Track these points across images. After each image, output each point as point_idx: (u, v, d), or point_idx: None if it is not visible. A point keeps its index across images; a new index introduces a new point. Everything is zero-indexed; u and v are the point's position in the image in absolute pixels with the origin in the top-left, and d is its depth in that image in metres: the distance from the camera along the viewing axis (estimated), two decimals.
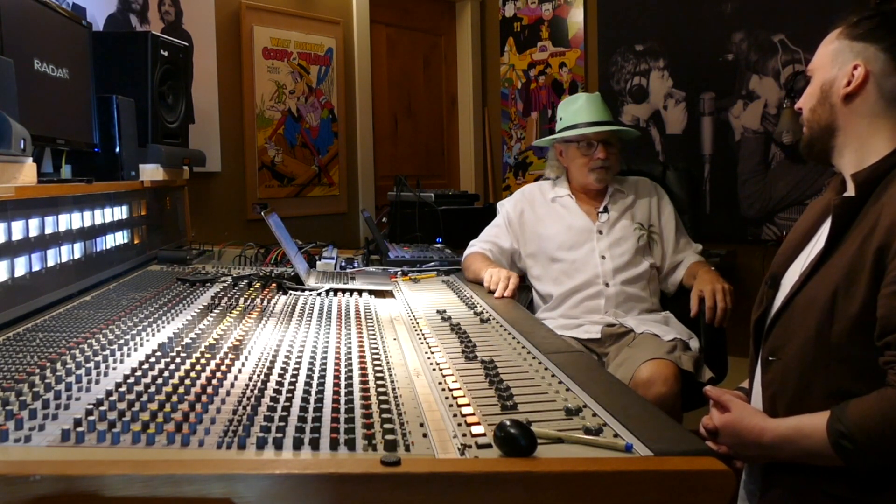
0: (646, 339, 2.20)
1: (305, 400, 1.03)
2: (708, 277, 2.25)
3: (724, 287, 2.17)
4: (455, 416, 1.02)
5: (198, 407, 1.00)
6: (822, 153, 1.37)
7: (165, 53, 2.55)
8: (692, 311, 2.19)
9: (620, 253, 2.37)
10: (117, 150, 2.18)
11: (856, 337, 1.20)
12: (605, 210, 2.44)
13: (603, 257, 2.37)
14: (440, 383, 1.17)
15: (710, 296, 2.15)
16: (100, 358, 1.23)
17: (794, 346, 1.29)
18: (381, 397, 1.07)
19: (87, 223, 1.84)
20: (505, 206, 2.57)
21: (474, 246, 2.48)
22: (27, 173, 1.55)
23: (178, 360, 1.22)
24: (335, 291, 1.92)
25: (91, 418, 0.96)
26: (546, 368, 1.26)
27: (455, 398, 1.09)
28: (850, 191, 1.32)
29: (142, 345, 1.34)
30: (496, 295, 2.03)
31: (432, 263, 2.41)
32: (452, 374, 1.20)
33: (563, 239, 2.43)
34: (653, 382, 1.98)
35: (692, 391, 2.09)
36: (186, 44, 2.82)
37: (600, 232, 2.41)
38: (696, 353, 2.21)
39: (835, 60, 1.33)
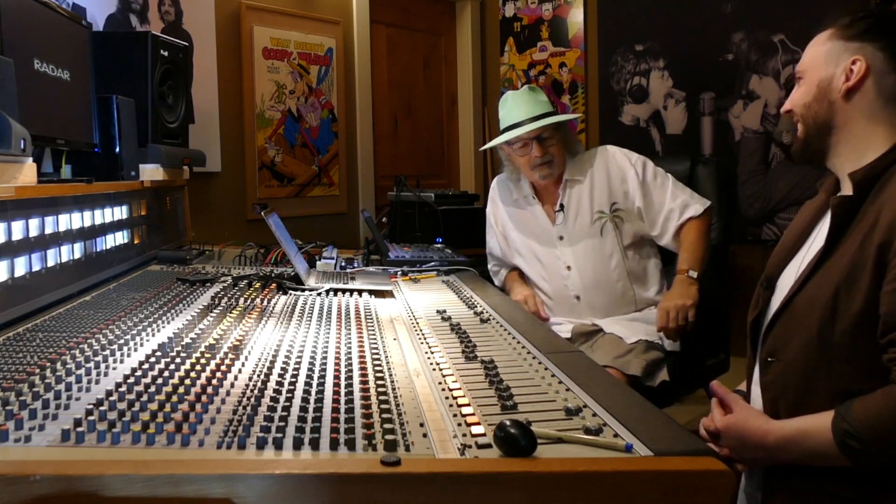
0: (608, 341, 2.20)
1: (305, 400, 1.03)
2: (674, 291, 2.20)
3: (680, 304, 2.13)
4: (455, 416, 1.02)
5: (198, 407, 1.00)
6: (818, 153, 1.36)
7: (165, 53, 2.55)
8: (656, 328, 2.18)
9: (586, 259, 2.31)
10: (117, 150, 2.18)
11: (859, 335, 1.19)
12: (561, 208, 2.35)
13: (569, 267, 2.34)
14: (440, 383, 1.17)
15: (663, 317, 2.14)
16: (100, 358, 1.22)
17: (795, 347, 1.29)
18: (381, 397, 1.07)
19: (87, 223, 1.84)
20: (489, 216, 2.59)
21: (499, 273, 2.58)
22: (27, 173, 1.55)
23: (178, 360, 1.22)
24: (335, 291, 1.92)
25: (91, 418, 0.96)
26: (546, 368, 1.26)
27: (455, 398, 1.09)
28: (847, 190, 1.31)
29: (142, 345, 1.33)
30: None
31: (432, 263, 2.41)
32: (452, 374, 1.20)
33: (528, 248, 2.42)
34: None
35: (645, 394, 2.07)
36: (186, 44, 2.82)
37: (561, 238, 2.35)
38: (657, 355, 2.18)
39: (829, 60, 1.33)
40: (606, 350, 2.15)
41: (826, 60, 1.33)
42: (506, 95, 2.38)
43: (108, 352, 1.27)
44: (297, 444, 0.90)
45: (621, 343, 2.17)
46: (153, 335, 1.41)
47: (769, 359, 1.34)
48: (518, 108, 2.32)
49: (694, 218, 2.29)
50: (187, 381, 1.11)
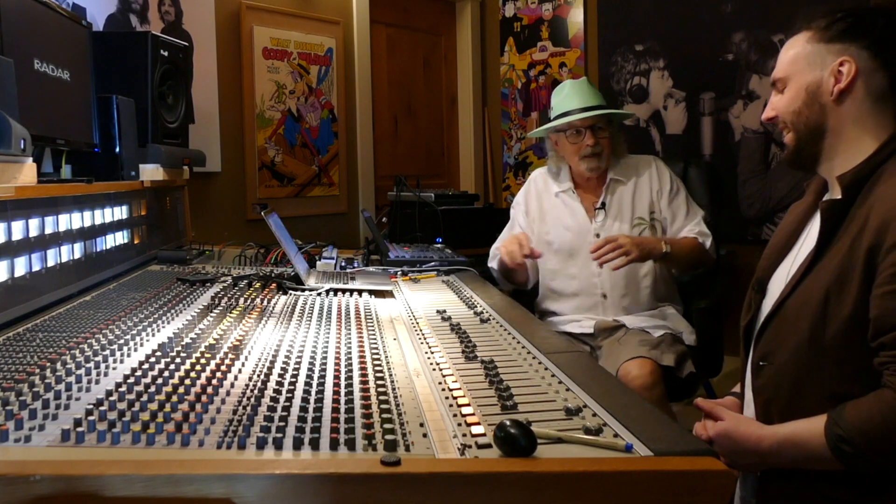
0: (634, 335, 2.24)
1: (305, 400, 1.03)
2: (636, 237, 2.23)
3: (626, 241, 2.13)
4: (455, 416, 1.02)
5: (198, 407, 1.00)
6: (811, 158, 1.34)
7: (165, 53, 2.55)
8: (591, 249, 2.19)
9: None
10: (117, 150, 2.18)
11: (850, 338, 1.19)
12: (603, 206, 2.39)
13: (600, 265, 2.36)
14: (440, 383, 1.17)
15: (601, 241, 2.15)
16: (100, 358, 1.22)
17: (786, 350, 1.29)
18: (381, 397, 1.07)
19: (87, 223, 1.84)
20: (518, 206, 2.58)
21: (498, 254, 2.50)
22: (27, 173, 1.55)
23: (178, 360, 1.22)
24: (335, 291, 1.92)
25: (91, 418, 0.96)
26: (546, 368, 1.26)
27: (455, 398, 1.09)
28: (836, 193, 1.31)
29: (142, 345, 1.33)
30: (519, 261, 2.25)
31: (432, 263, 2.41)
32: (452, 374, 1.20)
33: (561, 242, 2.43)
34: (632, 380, 2.02)
35: (674, 384, 2.17)
36: (186, 44, 2.82)
37: (598, 235, 2.37)
38: (683, 348, 2.23)
39: (813, 63, 1.30)
40: (635, 343, 2.17)
41: (809, 64, 1.31)
42: (563, 83, 2.43)
43: (108, 352, 1.27)
44: (297, 444, 0.90)
45: (649, 336, 2.21)
46: (153, 335, 1.41)
47: (761, 362, 1.34)
48: (576, 95, 2.36)
49: (698, 242, 2.33)
50: (187, 381, 1.11)
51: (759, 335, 1.36)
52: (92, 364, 1.19)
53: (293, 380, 1.13)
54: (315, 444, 0.90)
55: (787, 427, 1.24)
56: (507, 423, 0.89)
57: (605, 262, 2.14)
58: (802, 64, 1.32)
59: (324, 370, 1.20)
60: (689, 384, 2.26)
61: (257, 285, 1.96)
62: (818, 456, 1.18)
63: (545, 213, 2.49)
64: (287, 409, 1.01)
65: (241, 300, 1.75)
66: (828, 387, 1.22)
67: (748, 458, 1.30)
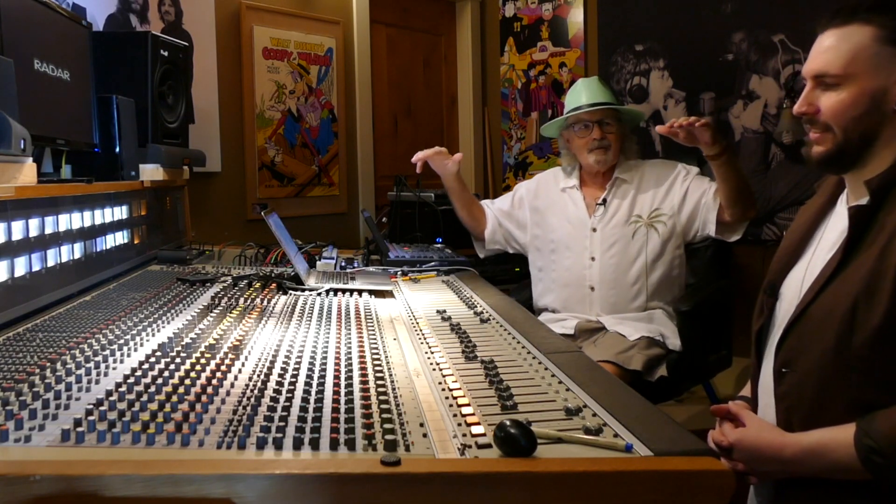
0: (610, 337, 2.26)
1: (305, 400, 1.03)
2: None
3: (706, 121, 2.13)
4: (455, 416, 1.02)
5: (198, 407, 1.00)
6: (850, 162, 1.29)
7: (165, 53, 2.55)
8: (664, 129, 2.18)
9: (611, 255, 2.37)
10: (117, 150, 2.18)
11: (879, 348, 1.16)
12: (604, 202, 2.41)
13: (593, 258, 2.39)
14: (440, 383, 1.17)
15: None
16: (100, 358, 1.23)
17: (810, 358, 1.25)
18: (381, 397, 1.07)
19: (87, 223, 1.84)
20: (521, 189, 2.66)
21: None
22: (27, 173, 1.55)
23: (178, 360, 1.22)
24: (335, 291, 1.92)
25: (91, 418, 0.96)
26: (546, 368, 1.26)
27: (455, 398, 1.09)
28: (859, 196, 1.27)
29: (142, 345, 1.33)
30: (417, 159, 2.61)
31: (432, 263, 2.41)
32: (452, 374, 1.20)
33: (560, 234, 2.48)
34: None
35: (643, 389, 2.14)
36: (186, 44, 2.82)
37: (594, 230, 2.40)
38: (658, 352, 2.23)
39: (878, 67, 1.23)
40: (608, 346, 2.20)
41: (875, 67, 1.24)
42: (576, 82, 2.53)
43: (108, 352, 1.27)
44: (297, 444, 0.90)
45: (624, 340, 2.22)
46: (153, 335, 1.41)
47: (783, 369, 1.30)
48: (586, 92, 2.44)
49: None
50: (187, 381, 1.11)
51: (780, 342, 1.32)
52: (92, 364, 1.19)
53: (293, 380, 1.13)
54: (315, 444, 0.90)
55: (812, 436, 1.21)
56: (507, 423, 0.89)
57: (677, 124, 2.14)
58: (867, 65, 1.24)
59: (324, 370, 1.20)
60: (661, 388, 2.24)
61: (257, 285, 1.96)
62: (845, 466, 1.16)
63: (550, 206, 2.54)
64: (287, 409, 1.01)
65: (241, 300, 1.75)
66: (853, 396, 1.19)
67: (769, 466, 1.27)
